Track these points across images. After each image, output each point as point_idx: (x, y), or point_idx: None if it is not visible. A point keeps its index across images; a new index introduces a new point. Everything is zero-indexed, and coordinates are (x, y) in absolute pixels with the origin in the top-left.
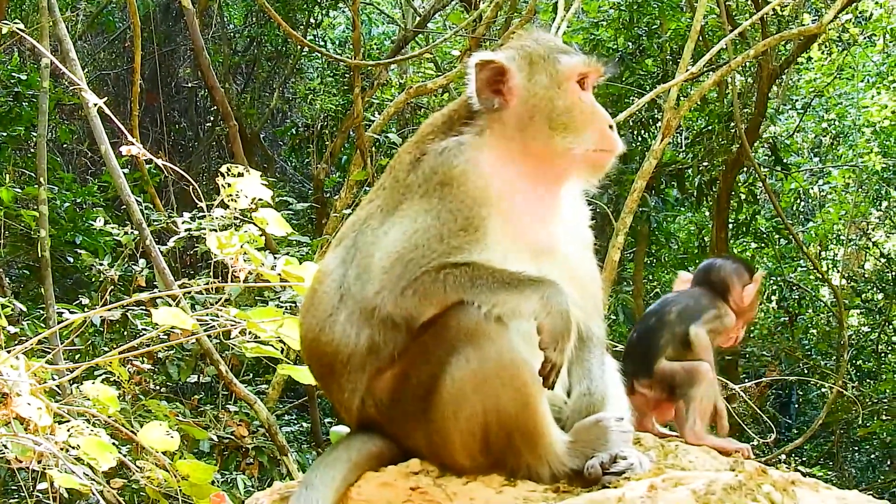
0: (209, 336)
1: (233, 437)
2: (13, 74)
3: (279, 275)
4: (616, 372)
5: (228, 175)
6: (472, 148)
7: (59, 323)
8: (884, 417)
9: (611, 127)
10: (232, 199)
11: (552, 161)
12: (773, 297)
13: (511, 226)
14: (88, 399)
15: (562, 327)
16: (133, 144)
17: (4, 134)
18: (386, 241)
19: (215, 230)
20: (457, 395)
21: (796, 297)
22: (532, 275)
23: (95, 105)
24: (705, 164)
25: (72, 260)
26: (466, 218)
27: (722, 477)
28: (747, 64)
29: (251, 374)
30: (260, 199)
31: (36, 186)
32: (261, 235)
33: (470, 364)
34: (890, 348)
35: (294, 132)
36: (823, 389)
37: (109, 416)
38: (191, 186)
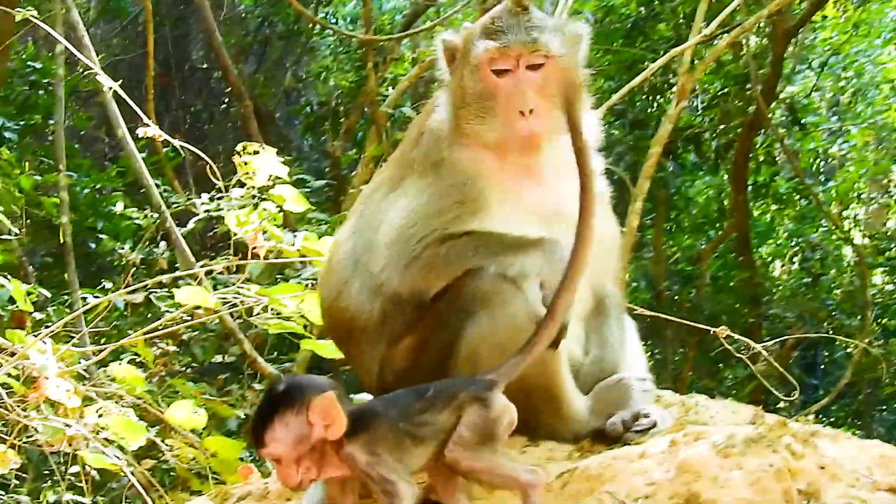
0: (231, 315)
1: None
2: (29, 63)
3: (298, 251)
4: (635, 333)
5: (244, 153)
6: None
7: (83, 307)
8: None
9: (522, 113)
10: (248, 177)
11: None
12: (796, 259)
13: (510, 195)
14: (115, 381)
15: None
16: (149, 126)
17: (22, 122)
18: (388, 216)
19: (233, 209)
20: (473, 360)
21: (818, 257)
22: (533, 236)
23: (110, 89)
24: (722, 126)
25: (93, 245)
26: (462, 193)
27: (742, 430)
28: (761, 24)
29: (275, 353)
30: (277, 177)
31: (55, 174)
32: (279, 212)
33: (485, 327)
34: None
35: (309, 111)
36: (849, 349)
37: (137, 397)
38: (208, 166)
